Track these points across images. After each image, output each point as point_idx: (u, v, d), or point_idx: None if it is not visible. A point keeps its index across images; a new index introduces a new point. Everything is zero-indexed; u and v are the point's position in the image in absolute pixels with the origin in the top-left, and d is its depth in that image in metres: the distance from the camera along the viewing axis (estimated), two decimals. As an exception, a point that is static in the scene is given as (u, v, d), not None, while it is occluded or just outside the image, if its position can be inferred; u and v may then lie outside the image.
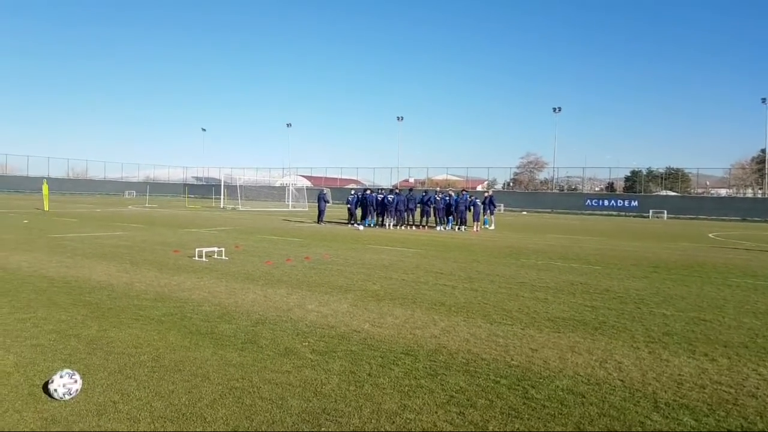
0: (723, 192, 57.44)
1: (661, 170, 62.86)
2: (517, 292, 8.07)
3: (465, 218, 22.64)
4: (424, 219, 23.51)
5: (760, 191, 56.95)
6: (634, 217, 46.96)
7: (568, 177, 66.41)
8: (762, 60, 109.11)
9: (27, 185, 60.11)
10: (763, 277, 10.57)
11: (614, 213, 50.35)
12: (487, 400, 3.81)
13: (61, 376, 3.62)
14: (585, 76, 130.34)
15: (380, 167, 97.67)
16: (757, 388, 4.24)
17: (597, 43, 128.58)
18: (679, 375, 4.50)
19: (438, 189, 29.75)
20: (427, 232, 20.78)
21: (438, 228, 22.43)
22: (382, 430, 3.32)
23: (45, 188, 28.88)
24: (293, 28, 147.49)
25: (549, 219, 39.11)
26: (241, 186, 43.37)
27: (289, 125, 79.83)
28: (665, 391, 4.10)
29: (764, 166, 55.85)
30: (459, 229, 22.23)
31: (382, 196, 22.99)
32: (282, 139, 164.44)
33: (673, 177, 60.93)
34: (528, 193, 61.64)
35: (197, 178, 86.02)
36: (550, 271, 10.47)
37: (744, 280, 10.10)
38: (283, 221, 25.02)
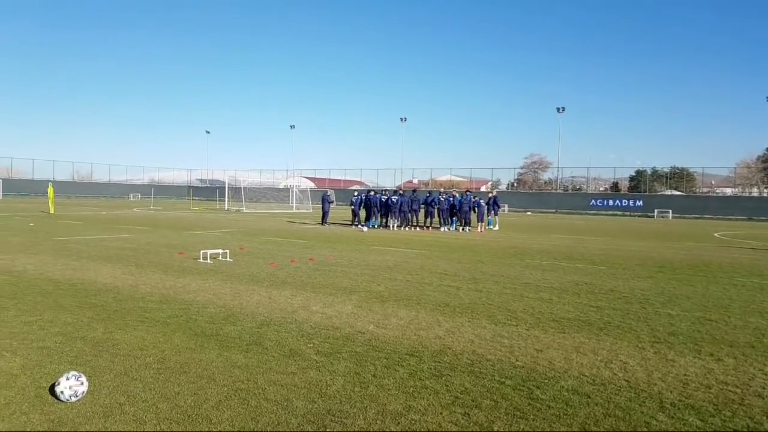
0: (728, 191, 57.15)
1: (665, 170, 62.70)
2: (521, 293, 8.06)
3: (469, 219, 22.63)
4: (428, 220, 23.51)
5: (765, 190, 56.66)
6: (639, 216, 46.80)
7: (572, 177, 66.33)
8: (766, 58, 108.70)
9: (32, 188, 60.37)
10: (769, 276, 10.52)
11: (619, 213, 50.18)
12: (492, 401, 3.81)
13: (67, 378, 3.64)
14: (588, 75, 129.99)
15: (384, 168, 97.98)
16: (764, 388, 4.22)
17: (600, 42, 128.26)
18: (685, 375, 4.48)
19: (442, 190, 29.77)
20: (431, 233, 20.78)
21: (442, 229, 22.43)
22: (387, 431, 3.32)
23: (50, 191, 29.03)
24: (296, 30, 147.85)
25: (553, 219, 39.02)
26: (245, 188, 43.50)
27: (292, 127, 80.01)
28: (671, 392, 4.09)
29: (770, 165, 55.51)
30: (463, 229, 22.22)
31: (386, 197, 23.00)
32: (286, 141, 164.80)
33: (678, 176, 60.69)
34: (532, 193, 61.53)
35: (201, 181, 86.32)
36: (554, 272, 10.45)
37: (750, 279, 10.06)
38: (287, 223, 25.08)
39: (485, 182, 67.81)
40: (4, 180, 60.05)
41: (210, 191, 71.02)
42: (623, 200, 52.37)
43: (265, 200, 48.90)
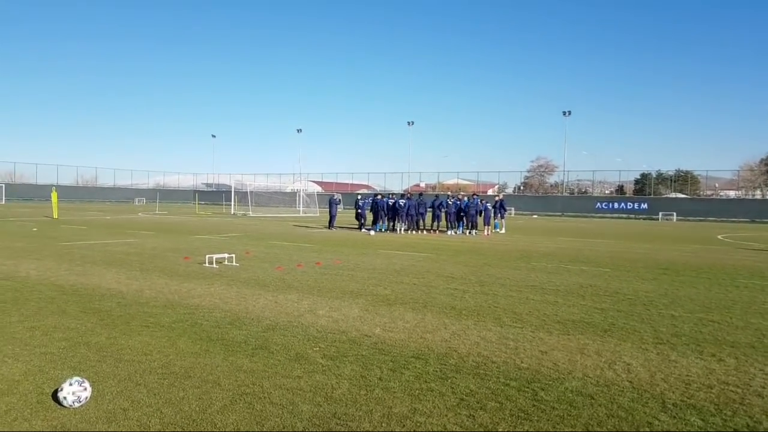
0: (732, 194, 56.98)
1: (670, 172, 62.47)
2: (527, 296, 8.06)
3: (476, 222, 22.63)
4: (435, 223, 23.53)
5: (769, 192, 56.39)
6: (644, 219, 46.65)
7: (578, 180, 66.22)
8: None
9: (36, 193, 60.55)
10: (775, 277, 10.48)
11: (624, 216, 50.01)
12: (497, 403, 3.82)
13: (70, 384, 3.64)
14: (594, 79, 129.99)
15: (391, 172, 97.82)
16: (764, 388, 4.23)
17: (606, 46, 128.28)
18: (687, 375, 4.49)
19: (449, 193, 29.77)
20: (438, 237, 20.78)
21: (449, 232, 22.43)
22: (392, 433, 3.34)
23: (54, 196, 29.16)
24: (303, 34, 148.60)
25: (559, 222, 38.94)
26: (251, 192, 43.66)
27: (299, 131, 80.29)
28: (673, 392, 4.10)
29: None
30: (470, 233, 22.21)
31: (393, 200, 23.03)
32: (293, 145, 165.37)
33: (683, 179, 60.50)
34: (538, 196, 61.43)
35: (207, 185, 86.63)
36: (560, 274, 10.44)
37: (752, 281, 10.03)
38: (294, 227, 25.13)
39: (492, 185, 67.78)
40: (7, 185, 60.24)
41: (216, 195, 71.22)
42: (628, 203, 52.21)
43: (271, 204, 49.04)
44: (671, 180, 61.24)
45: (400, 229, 22.52)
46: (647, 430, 3.44)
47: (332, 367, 4.54)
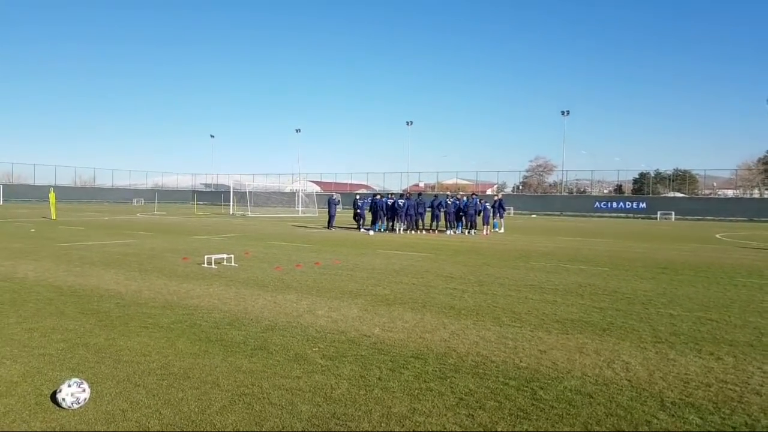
0: (730, 193, 57.13)
1: (669, 172, 62.64)
2: (526, 295, 8.06)
3: (475, 222, 22.64)
4: (434, 223, 23.55)
5: (766, 192, 56.51)
6: (643, 218, 46.69)
7: (577, 180, 66.38)
8: (766, 62, 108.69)
9: (34, 194, 60.38)
10: (772, 276, 10.51)
11: (623, 215, 50.09)
12: (496, 402, 3.82)
13: (69, 385, 3.63)
14: (593, 79, 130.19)
15: (390, 172, 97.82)
16: (762, 386, 4.25)
17: (604, 46, 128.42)
18: (686, 374, 4.50)
19: (449, 193, 29.79)
20: (437, 237, 20.79)
21: (448, 232, 22.44)
22: (391, 433, 3.34)
23: (52, 197, 29.11)
24: (302, 34, 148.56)
25: (558, 222, 38.97)
26: (250, 192, 43.61)
27: (298, 131, 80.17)
28: (672, 390, 4.11)
29: (771, 167, 55.42)
30: (469, 232, 22.23)
31: (392, 200, 23.03)
32: (291, 145, 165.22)
33: (681, 178, 60.63)
34: (537, 196, 61.48)
35: (206, 185, 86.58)
36: (558, 274, 10.45)
37: (750, 279, 10.05)
38: (293, 227, 25.12)
39: (491, 185, 67.83)
40: (5, 185, 60.18)
41: (215, 196, 71.17)
42: (627, 202, 52.29)
43: (270, 204, 48.96)
44: (670, 179, 61.36)
45: (399, 229, 22.52)
46: (646, 428, 3.44)
47: (331, 367, 4.54)
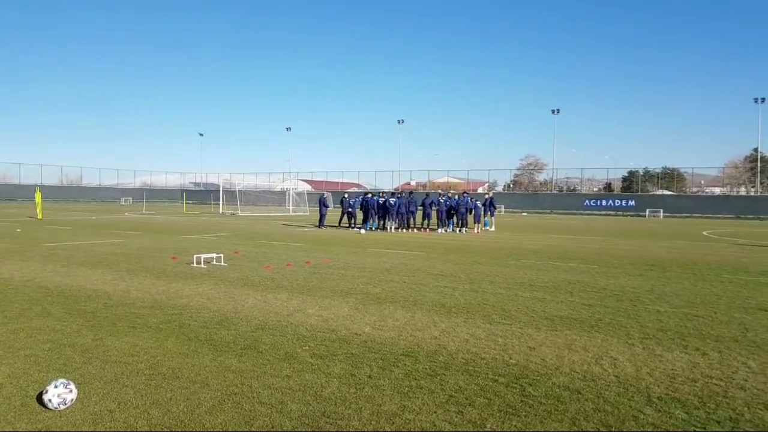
0: (717, 190, 57.87)
1: (657, 170, 63.37)
2: (516, 292, 8.11)
3: (466, 220, 22.71)
4: (426, 222, 23.58)
5: (752, 189, 57.29)
6: (631, 216, 47.13)
7: (566, 178, 66.92)
8: (754, 60, 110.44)
9: (19, 194, 59.55)
10: (754, 273, 10.66)
11: (612, 213, 50.55)
12: (486, 399, 3.84)
13: (55, 386, 3.59)
14: (583, 78, 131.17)
15: (382, 171, 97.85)
16: (746, 380, 4.31)
17: (594, 45, 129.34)
18: (672, 369, 4.55)
19: (440, 191, 29.85)
20: (428, 235, 20.82)
21: (439, 230, 22.49)
22: (382, 431, 3.34)
23: (38, 196, 28.74)
24: (292, 32, 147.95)
25: (548, 220, 39.21)
26: (240, 191, 43.39)
27: (288, 129, 79.91)
28: (658, 386, 4.16)
29: (757, 165, 56.22)
30: (460, 231, 22.29)
31: (383, 199, 23.02)
32: (282, 144, 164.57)
33: (669, 176, 61.29)
34: (528, 194, 61.83)
35: (195, 184, 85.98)
36: (548, 271, 10.52)
37: (736, 276, 10.18)
38: (284, 226, 25.04)
39: (482, 183, 68.08)
40: (-10, 185, 59.41)
41: (204, 195, 70.76)
42: (616, 200, 52.76)
43: (261, 203, 48.78)
44: (658, 177, 62.04)
45: (391, 228, 22.53)
46: (633, 423, 3.48)
47: (322, 365, 4.54)
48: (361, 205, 23.60)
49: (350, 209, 24.16)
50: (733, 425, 3.48)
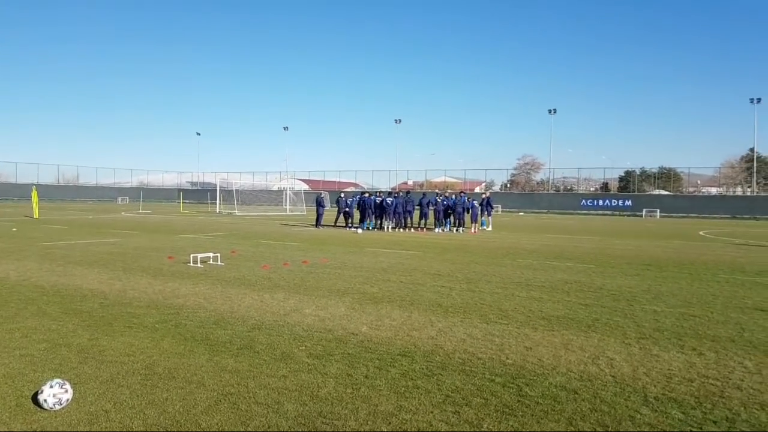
0: (713, 190, 58.08)
1: (654, 170, 63.48)
2: (513, 292, 8.11)
3: (463, 220, 22.72)
4: (423, 221, 23.56)
5: (748, 189, 57.52)
6: (628, 216, 47.24)
7: (563, 178, 66.96)
8: (750, 60, 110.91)
9: (15, 192, 59.28)
10: (750, 273, 10.69)
11: (609, 212, 50.65)
12: (482, 399, 3.84)
13: (51, 386, 3.58)
14: (580, 78, 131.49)
15: (379, 170, 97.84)
16: (742, 380, 4.32)
17: (591, 45, 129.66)
18: (669, 369, 4.56)
19: (437, 191, 29.85)
20: (425, 234, 20.82)
21: (436, 230, 22.49)
22: (378, 431, 3.34)
23: (34, 195, 28.64)
24: (289, 31, 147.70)
25: (545, 219, 39.26)
26: (237, 190, 43.28)
27: (286, 128, 79.73)
28: (655, 386, 4.16)
29: (752, 165, 56.44)
30: (457, 230, 22.30)
31: (380, 198, 23.01)
32: (279, 143, 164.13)
33: (666, 176, 61.44)
34: (525, 194, 61.88)
35: (192, 183, 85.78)
36: (545, 271, 10.53)
37: (732, 276, 10.21)
38: (281, 225, 25.00)
39: (479, 183, 68.13)
40: (-14, 184, 59.11)
41: (201, 194, 70.58)
42: (613, 200, 52.86)
43: (258, 203, 48.66)
44: (655, 177, 62.19)
45: (388, 227, 22.53)
46: (629, 423, 3.48)
47: (318, 365, 4.53)
48: (358, 204, 23.58)
49: (347, 209, 24.13)
50: (729, 425, 3.49)
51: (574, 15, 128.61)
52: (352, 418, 3.50)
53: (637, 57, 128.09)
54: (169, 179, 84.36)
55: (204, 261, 10.84)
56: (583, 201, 53.65)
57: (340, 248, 14.61)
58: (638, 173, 63.88)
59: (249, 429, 3.34)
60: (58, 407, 3.56)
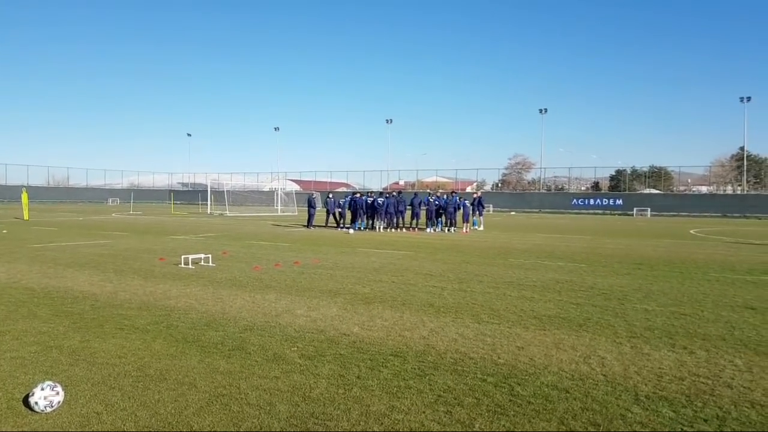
0: (704, 189, 58.63)
1: (644, 169, 63.95)
2: (504, 292, 8.14)
3: (454, 220, 22.77)
4: (414, 221, 23.58)
5: (739, 188, 58.10)
6: (619, 215, 47.59)
7: (555, 177, 67.24)
8: (740, 59, 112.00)
9: (5, 194, 58.81)
10: (741, 271, 10.79)
11: (600, 212, 50.99)
12: (474, 399, 3.85)
13: (42, 389, 3.56)
14: (570, 77, 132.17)
15: (370, 170, 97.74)
16: (733, 379, 4.35)
17: (582, 45, 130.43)
18: (660, 368, 4.59)
19: (429, 191, 29.90)
20: (417, 234, 20.85)
21: (428, 230, 22.52)
22: (371, 431, 3.34)
23: (24, 197, 28.38)
24: (279, 32, 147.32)
25: (536, 219, 39.43)
26: (228, 191, 43.10)
27: (276, 129, 79.58)
28: (646, 384, 4.19)
29: (743, 164, 57.02)
30: (448, 230, 22.34)
31: (372, 199, 23.00)
32: (270, 144, 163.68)
33: (657, 175, 61.90)
34: (516, 193, 62.14)
35: (183, 184, 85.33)
36: (537, 270, 10.57)
37: (723, 274, 10.30)
38: (272, 226, 24.93)
39: (470, 183, 68.30)
40: (-23, 186, 58.45)
41: (192, 195, 70.24)
42: (604, 199, 53.24)
43: (249, 204, 48.51)
44: (645, 176, 62.64)
45: (379, 228, 22.53)
46: (620, 422, 3.51)
47: (310, 366, 4.52)
48: (350, 204, 23.56)
49: (339, 209, 24.10)
50: (720, 423, 3.52)
51: (565, 15, 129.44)
52: (344, 418, 3.50)
53: (628, 57, 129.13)
54: (159, 180, 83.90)
55: (195, 262, 10.79)
56: (574, 200, 53.99)
57: (332, 249, 14.59)
58: (629, 172, 64.37)
59: (241, 430, 3.33)
60: (49, 410, 3.54)
